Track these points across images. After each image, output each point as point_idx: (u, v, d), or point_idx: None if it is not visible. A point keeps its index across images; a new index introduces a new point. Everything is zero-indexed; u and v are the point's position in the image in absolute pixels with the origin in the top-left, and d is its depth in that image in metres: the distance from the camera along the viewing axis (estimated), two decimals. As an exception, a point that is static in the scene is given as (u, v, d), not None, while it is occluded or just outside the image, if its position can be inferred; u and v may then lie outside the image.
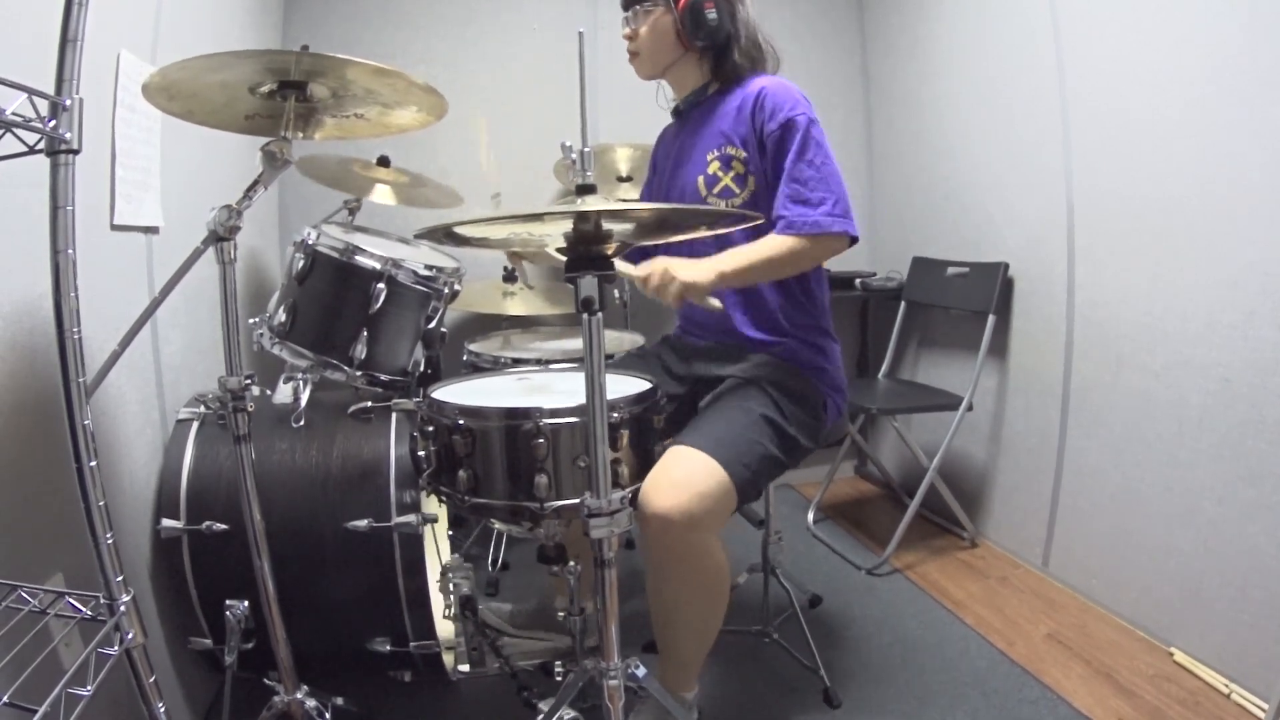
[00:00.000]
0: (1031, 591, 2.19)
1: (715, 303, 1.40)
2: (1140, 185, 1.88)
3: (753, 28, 1.59)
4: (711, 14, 1.51)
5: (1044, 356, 2.24)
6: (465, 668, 1.68)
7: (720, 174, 1.56)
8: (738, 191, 1.54)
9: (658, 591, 1.42)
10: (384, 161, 2.03)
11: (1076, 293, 2.11)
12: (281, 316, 1.47)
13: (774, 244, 1.46)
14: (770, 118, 1.49)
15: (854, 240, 1.49)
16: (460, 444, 1.32)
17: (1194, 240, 1.75)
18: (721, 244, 1.58)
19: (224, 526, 1.40)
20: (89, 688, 0.80)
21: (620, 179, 2.50)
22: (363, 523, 1.44)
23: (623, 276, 1.42)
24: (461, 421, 1.32)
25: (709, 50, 1.58)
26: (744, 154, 1.53)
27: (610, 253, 1.07)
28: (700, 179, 1.57)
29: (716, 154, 1.56)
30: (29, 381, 1.09)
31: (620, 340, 2.21)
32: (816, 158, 1.46)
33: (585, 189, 1.08)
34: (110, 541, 0.89)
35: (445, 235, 1.08)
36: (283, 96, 1.21)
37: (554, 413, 1.28)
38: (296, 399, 1.50)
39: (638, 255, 1.57)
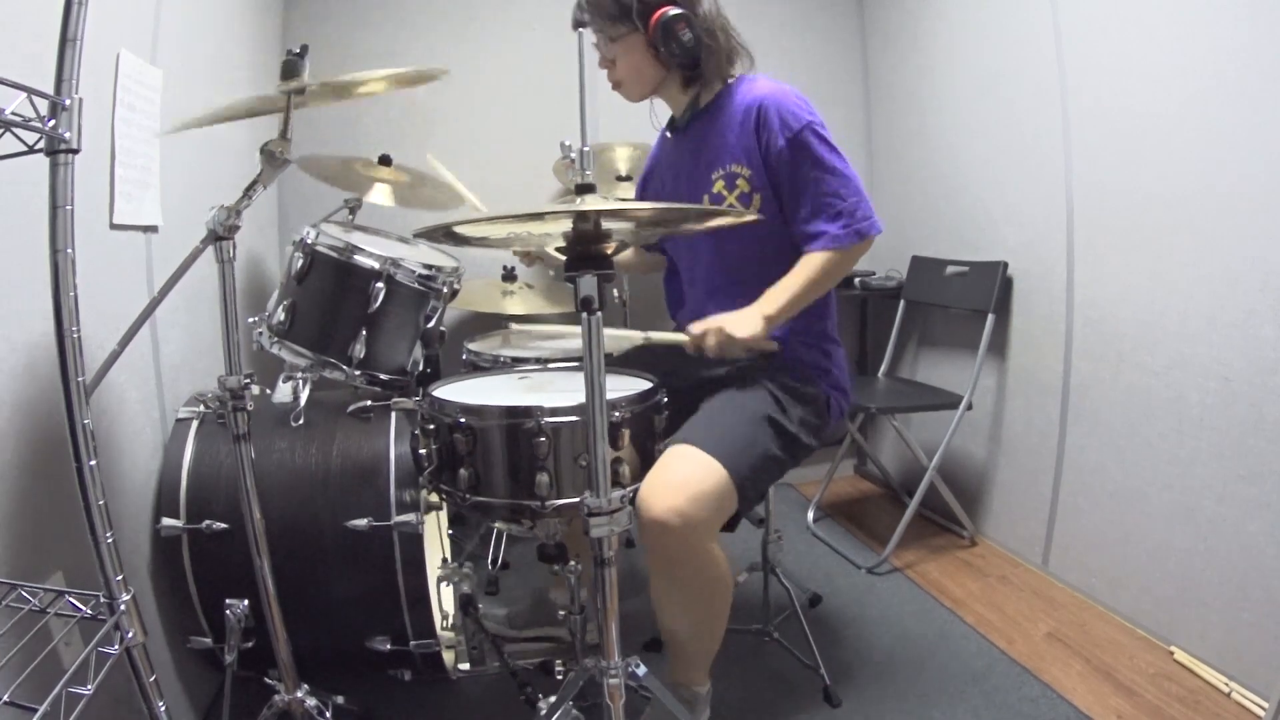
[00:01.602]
0: (1031, 590, 2.19)
1: (772, 345, 1.45)
2: (1140, 183, 1.88)
3: (715, 23, 1.55)
4: (686, 34, 1.48)
5: (1043, 355, 2.24)
6: (465, 666, 1.68)
7: (725, 193, 1.55)
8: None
9: (660, 594, 1.42)
10: (385, 160, 2.02)
11: (1076, 291, 2.11)
12: (281, 316, 1.47)
13: (814, 264, 1.46)
14: (778, 133, 1.47)
15: (878, 233, 1.48)
16: (461, 442, 1.32)
17: (1194, 238, 1.75)
18: (719, 240, 1.57)
19: (224, 525, 1.40)
20: (89, 687, 0.80)
21: (619, 178, 2.49)
22: (362, 522, 1.44)
23: (679, 344, 1.48)
24: (463, 420, 1.32)
25: (689, 66, 1.56)
26: (749, 171, 1.52)
27: (610, 252, 1.07)
28: (705, 199, 1.56)
29: (721, 173, 1.55)
30: (28, 381, 1.09)
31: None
32: (834, 162, 1.46)
33: (584, 188, 1.08)
34: (110, 540, 0.89)
35: (444, 235, 1.08)
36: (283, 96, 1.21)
37: (555, 411, 1.29)
38: (296, 398, 1.50)
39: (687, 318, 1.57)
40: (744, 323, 1.42)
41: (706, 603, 1.42)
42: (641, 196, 1.84)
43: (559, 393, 1.47)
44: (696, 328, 1.44)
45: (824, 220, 1.46)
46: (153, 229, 1.53)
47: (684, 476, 1.30)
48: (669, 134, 1.75)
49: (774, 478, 1.49)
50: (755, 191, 1.52)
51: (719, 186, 1.55)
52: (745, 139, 1.52)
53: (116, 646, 0.88)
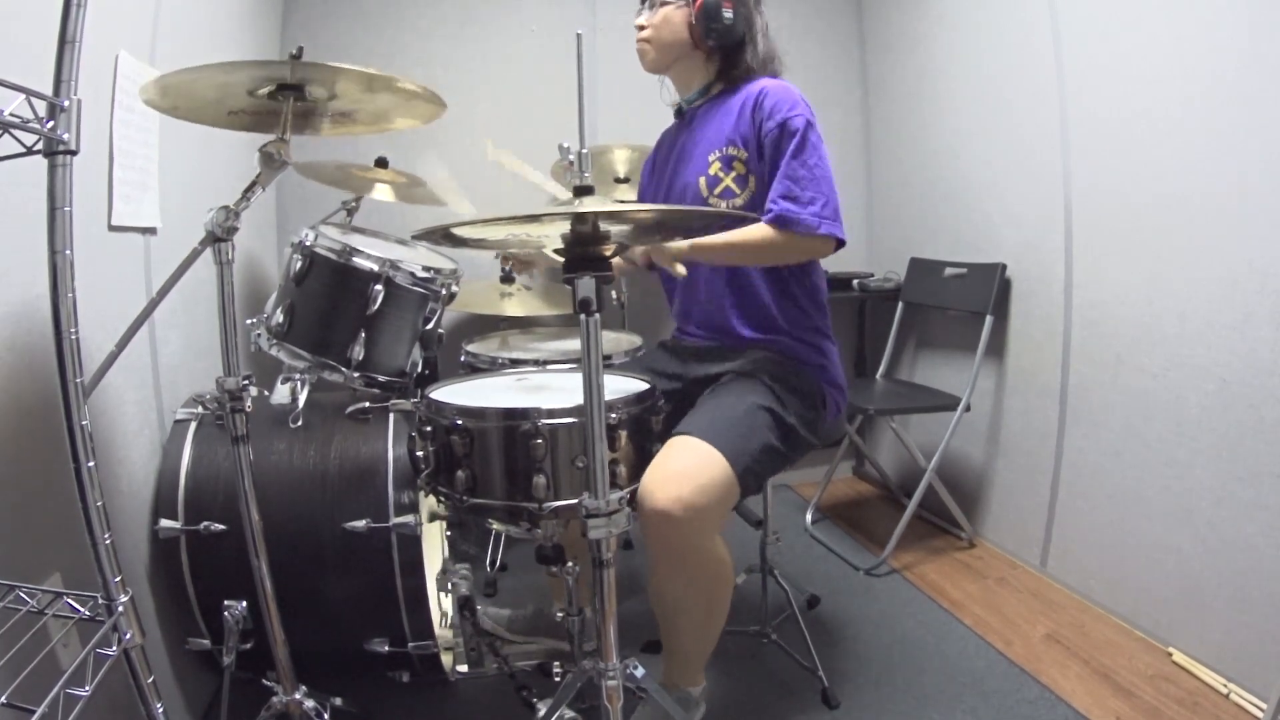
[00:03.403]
0: (1029, 592, 2.19)
1: (681, 269, 1.46)
2: (1139, 184, 1.88)
3: (768, 37, 1.61)
4: (728, 14, 1.52)
5: (1042, 357, 2.24)
6: (463, 668, 1.68)
7: (721, 175, 1.56)
8: (739, 192, 1.55)
9: (660, 588, 1.42)
10: (382, 163, 2.02)
11: (1074, 293, 2.11)
12: (279, 317, 1.47)
13: (757, 232, 1.47)
14: (769, 116, 1.49)
15: (840, 244, 1.50)
16: (458, 444, 1.32)
17: (1193, 240, 1.75)
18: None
19: (222, 527, 1.40)
20: (87, 688, 0.80)
21: (617, 180, 2.50)
22: (360, 523, 1.44)
23: None
24: (460, 422, 1.32)
25: (718, 51, 1.59)
26: (745, 154, 1.53)
27: (609, 254, 1.07)
28: (702, 180, 1.58)
29: (718, 154, 1.57)
30: (27, 382, 1.09)
31: (618, 341, 2.21)
32: (810, 159, 1.47)
33: (583, 190, 1.08)
34: (108, 542, 0.89)
35: (443, 236, 1.08)
36: (281, 98, 1.21)
37: (552, 413, 1.29)
38: (294, 399, 1.50)
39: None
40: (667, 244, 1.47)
41: (707, 597, 1.42)
42: (646, 184, 1.86)
43: (556, 394, 1.47)
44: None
45: (779, 199, 1.47)
46: (151, 231, 1.53)
47: (687, 467, 1.31)
48: (675, 121, 1.77)
49: (773, 470, 1.49)
50: (752, 174, 1.54)
51: (716, 168, 1.57)
52: (743, 123, 1.53)
53: (115, 648, 0.88)
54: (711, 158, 1.57)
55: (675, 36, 1.58)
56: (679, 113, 1.73)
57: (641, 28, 1.63)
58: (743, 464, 1.35)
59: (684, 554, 1.34)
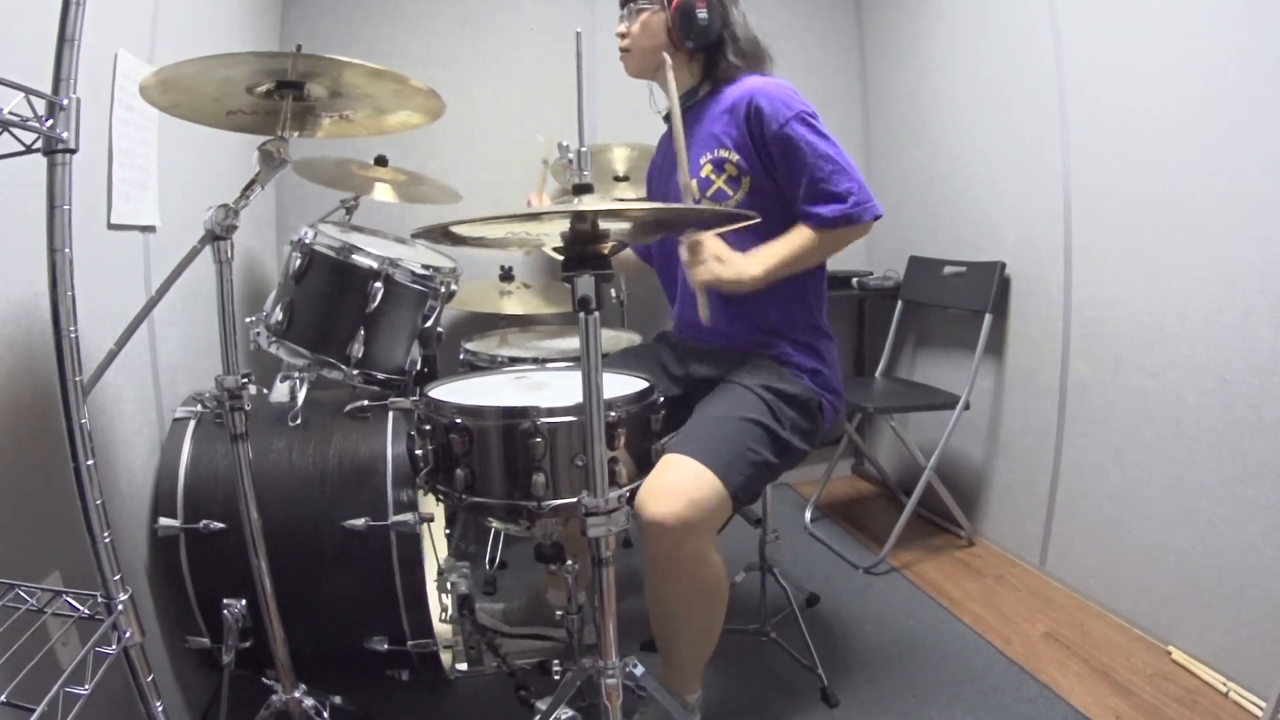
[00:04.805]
0: (1029, 590, 2.19)
1: (705, 315, 1.46)
2: (1138, 184, 1.88)
3: (746, 28, 1.60)
4: (703, 14, 1.52)
5: (1041, 356, 2.24)
6: (463, 666, 1.68)
7: (713, 177, 1.56)
8: (731, 194, 1.54)
9: (656, 598, 1.43)
10: (382, 161, 2.02)
11: (1074, 292, 2.11)
12: (278, 315, 1.47)
13: (803, 236, 1.48)
14: (769, 124, 1.48)
15: (878, 217, 1.50)
16: (457, 443, 1.31)
17: (1192, 239, 1.75)
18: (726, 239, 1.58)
19: (221, 525, 1.40)
20: (86, 687, 0.80)
21: (617, 178, 2.50)
22: (360, 521, 1.44)
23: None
24: (459, 420, 1.32)
25: (699, 51, 1.58)
26: (736, 157, 1.53)
27: (607, 252, 1.07)
28: (694, 183, 1.57)
29: (709, 157, 1.56)
30: (26, 381, 1.09)
31: (617, 339, 2.21)
32: (829, 150, 1.47)
33: (582, 188, 1.08)
34: (108, 540, 0.89)
35: (442, 235, 1.08)
36: (280, 96, 1.21)
37: (551, 411, 1.28)
38: (293, 398, 1.50)
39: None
40: (735, 268, 1.44)
41: (702, 607, 1.43)
42: (652, 187, 1.85)
43: (555, 393, 1.47)
44: (697, 237, 1.44)
45: (818, 204, 1.47)
46: (150, 229, 1.53)
47: (680, 483, 1.32)
48: (667, 128, 1.76)
49: (766, 482, 1.50)
50: (744, 175, 1.54)
51: (707, 170, 1.57)
52: (734, 128, 1.53)
53: (114, 646, 0.88)
54: (703, 160, 1.57)
55: (654, 41, 1.58)
56: (668, 117, 1.73)
57: (622, 36, 1.63)
58: (735, 483, 1.35)
59: (679, 562, 1.35)
